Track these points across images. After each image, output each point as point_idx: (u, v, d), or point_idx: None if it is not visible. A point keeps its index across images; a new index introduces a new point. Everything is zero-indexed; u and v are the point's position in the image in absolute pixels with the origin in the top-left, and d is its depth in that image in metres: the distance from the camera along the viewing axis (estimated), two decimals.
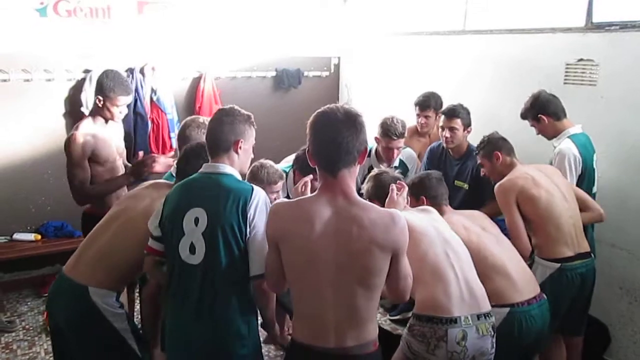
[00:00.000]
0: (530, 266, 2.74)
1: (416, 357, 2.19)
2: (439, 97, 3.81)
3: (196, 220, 1.97)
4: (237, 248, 1.96)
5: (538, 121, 3.10)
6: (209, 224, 1.96)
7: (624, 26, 3.14)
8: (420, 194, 2.69)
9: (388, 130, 3.31)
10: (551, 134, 3.11)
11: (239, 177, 2.09)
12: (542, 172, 2.85)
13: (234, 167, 2.08)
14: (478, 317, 2.19)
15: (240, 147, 2.07)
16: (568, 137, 3.02)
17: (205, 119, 2.74)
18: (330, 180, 1.80)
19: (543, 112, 3.07)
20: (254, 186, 2.04)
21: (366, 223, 1.75)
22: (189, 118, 2.91)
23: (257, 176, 2.91)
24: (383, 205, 2.44)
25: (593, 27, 3.31)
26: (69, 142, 2.94)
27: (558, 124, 3.07)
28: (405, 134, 3.37)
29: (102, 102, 2.97)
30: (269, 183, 2.82)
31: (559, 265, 2.71)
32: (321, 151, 1.80)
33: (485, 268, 2.40)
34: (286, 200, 2.02)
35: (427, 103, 3.77)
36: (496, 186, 2.85)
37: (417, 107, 3.82)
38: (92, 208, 3.14)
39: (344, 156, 1.76)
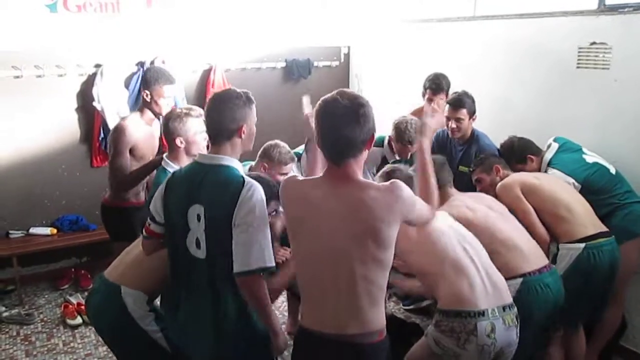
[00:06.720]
0: (555, 255, 2.76)
1: (446, 352, 2.18)
2: (447, 77, 3.75)
3: (198, 217, 1.97)
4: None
5: (525, 162, 3.14)
6: (207, 221, 1.96)
7: (638, 8, 3.08)
8: None
9: (402, 138, 3.35)
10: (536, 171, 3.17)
11: (238, 166, 2.04)
12: (537, 173, 3.00)
13: (236, 150, 2.04)
14: (503, 308, 2.21)
15: (243, 132, 2.03)
16: (547, 166, 3.08)
17: (183, 109, 2.74)
18: (335, 168, 1.81)
19: (530, 152, 3.15)
20: (248, 179, 1.97)
21: (369, 203, 1.74)
22: (167, 112, 2.89)
23: (268, 153, 2.90)
24: None
25: (606, 9, 3.25)
26: (114, 131, 3.07)
27: (539, 159, 3.15)
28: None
29: (149, 96, 3.07)
30: (279, 163, 2.83)
31: (583, 245, 2.70)
32: (326, 143, 1.81)
33: (494, 245, 2.43)
34: (296, 177, 2.01)
35: (441, 86, 3.70)
36: (498, 186, 2.90)
37: (429, 91, 3.72)
38: (109, 200, 3.19)
39: (348, 148, 1.77)
